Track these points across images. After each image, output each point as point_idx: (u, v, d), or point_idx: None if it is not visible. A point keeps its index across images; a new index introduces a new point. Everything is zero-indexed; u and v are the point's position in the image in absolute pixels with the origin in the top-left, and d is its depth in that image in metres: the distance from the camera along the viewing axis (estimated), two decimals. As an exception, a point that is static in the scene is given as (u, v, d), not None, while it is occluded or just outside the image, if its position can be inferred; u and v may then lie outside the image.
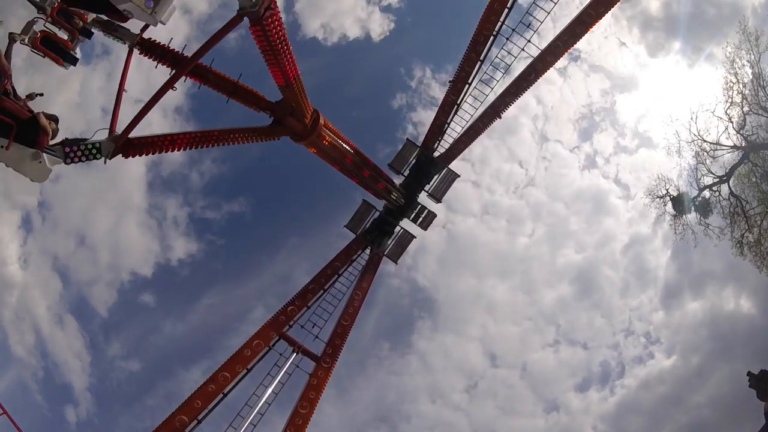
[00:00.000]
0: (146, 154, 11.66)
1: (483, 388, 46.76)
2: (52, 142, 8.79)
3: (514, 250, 50.68)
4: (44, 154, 8.10)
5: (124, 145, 10.77)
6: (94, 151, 10.03)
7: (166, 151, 12.15)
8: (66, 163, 9.21)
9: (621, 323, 46.62)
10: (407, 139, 20.29)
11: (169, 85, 9.59)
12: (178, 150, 12.46)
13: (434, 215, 20.75)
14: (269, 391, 16.57)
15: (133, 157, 11.30)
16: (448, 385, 47.17)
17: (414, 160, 19.98)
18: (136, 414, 43.52)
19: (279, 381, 16.85)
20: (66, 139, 9.17)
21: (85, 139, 9.57)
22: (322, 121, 15.41)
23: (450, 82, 18.19)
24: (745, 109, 30.86)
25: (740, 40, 30.78)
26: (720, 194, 32.22)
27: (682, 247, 37.63)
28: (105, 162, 10.21)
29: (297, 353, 17.57)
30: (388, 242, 20.26)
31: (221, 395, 16.32)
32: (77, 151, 9.52)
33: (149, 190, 46.39)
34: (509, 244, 50.91)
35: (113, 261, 46.44)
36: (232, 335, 44.38)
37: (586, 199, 50.85)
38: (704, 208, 32.37)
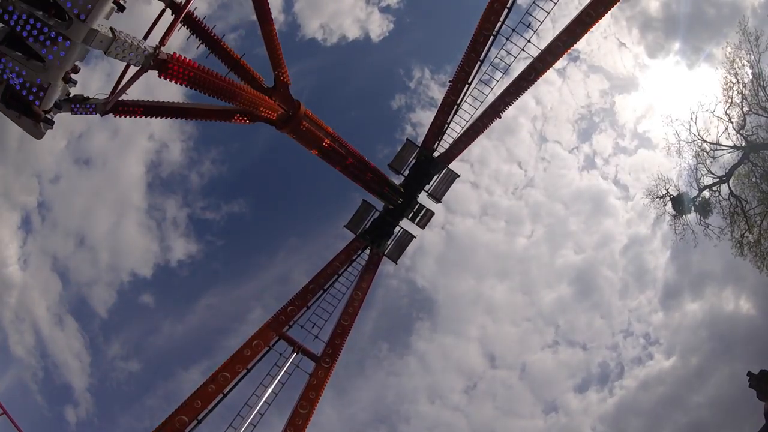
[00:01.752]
0: (131, 116, 12.97)
1: (482, 388, 46.76)
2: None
3: (513, 250, 50.70)
4: (40, 123, 10.49)
5: (116, 105, 12.10)
6: (91, 108, 11.69)
7: (148, 116, 13.31)
8: (73, 113, 11.37)
9: (620, 324, 46.62)
10: (407, 139, 20.32)
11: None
12: (158, 117, 13.58)
13: (432, 213, 20.76)
14: (269, 391, 16.53)
15: (121, 116, 12.70)
16: (448, 385, 47.16)
17: (414, 160, 19.97)
18: (136, 414, 43.54)
19: (279, 381, 16.82)
20: (75, 96, 11.12)
21: (88, 98, 11.49)
22: (303, 112, 16.76)
23: (450, 82, 18.21)
24: (745, 109, 30.85)
25: (740, 40, 30.79)
26: (720, 194, 32.20)
27: (681, 248, 37.62)
28: (101, 116, 12.00)
29: (297, 353, 17.55)
30: (388, 242, 20.25)
31: (221, 395, 16.30)
32: (80, 106, 11.39)
33: (149, 190, 46.42)
34: (508, 245, 50.94)
35: (113, 261, 46.45)
36: (231, 336, 44.41)
37: (585, 200, 50.85)
38: (704, 208, 32.34)
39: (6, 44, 9.34)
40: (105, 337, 45.24)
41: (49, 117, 10.60)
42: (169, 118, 14.05)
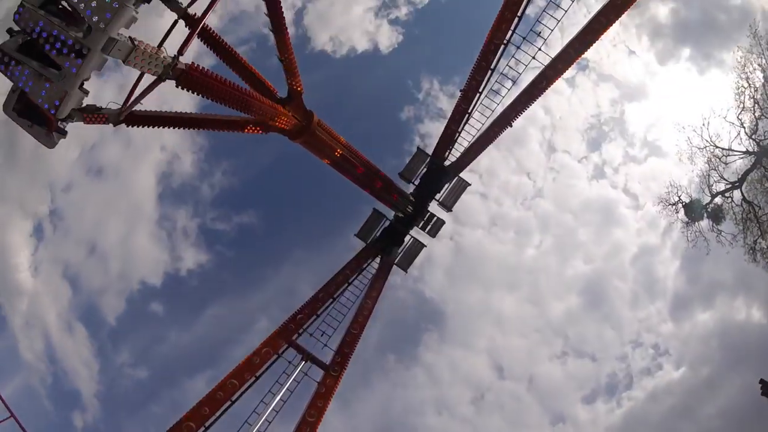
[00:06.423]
0: (144, 126, 12.40)
1: (490, 400, 46.46)
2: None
3: (521, 261, 50.24)
4: (53, 132, 10.14)
5: (129, 116, 11.64)
6: (104, 118, 11.18)
7: (160, 127, 12.83)
8: (86, 123, 10.86)
9: (629, 334, 46.06)
10: (418, 147, 20.31)
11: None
12: (171, 128, 13.25)
13: (442, 222, 20.73)
14: (277, 398, 16.54)
15: (134, 126, 12.17)
16: (455, 397, 46.90)
17: (425, 169, 19.95)
18: (142, 421, 43.74)
19: (287, 389, 16.83)
20: (88, 106, 10.65)
21: (101, 108, 10.96)
22: (316, 122, 16.43)
23: (461, 91, 18.19)
24: (757, 113, 30.58)
25: (751, 44, 30.57)
26: (732, 200, 31.95)
27: (691, 257, 37.31)
28: (113, 126, 11.51)
29: (305, 361, 17.54)
30: (398, 251, 20.23)
31: (229, 402, 16.30)
32: (93, 116, 10.88)
33: (160, 200, 46.74)
34: (517, 256, 50.50)
35: (123, 270, 46.75)
36: (236, 346, 44.43)
37: (595, 210, 50.34)
38: (716, 215, 32.09)
39: (22, 53, 9.13)
40: (113, 345, 45.57)
41: (62, 126, 10.18)
42: (182, 129, 13.83)
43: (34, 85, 9.20)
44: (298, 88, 15.88)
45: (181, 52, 10.96)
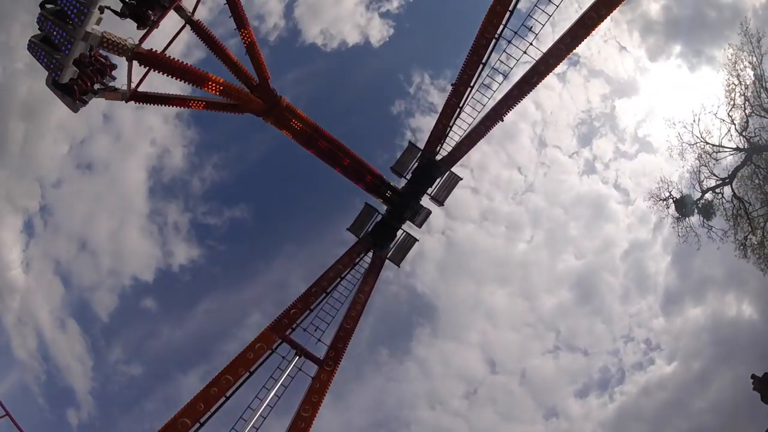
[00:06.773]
0: (146, 102, 16.24)
1: (482, 394, 46.66)
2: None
3: (513, 256, 50.59)
4: (77, 101, 14.33)
5: (134, 94, 15.74)
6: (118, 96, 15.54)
7: (158, 104, 16.48)
8: (105, 99, 15.41)
9: (621, 329, 46.48)
10: (409, 142, 20.24)
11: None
12: (163, 105, 16.64)
13: (429, 212, 20.66)
14: (272, 394, 16.52)
15: (139, 102, 16.10)
16: (448, 391, 47.08)
17: (416, 164, 19.94)
18: (136, 418, 43.59)
19: (281, 384, 16.81)
20: (108, 86, 15.16)
21: (117, 88, 15.37)
22: (284, 104, 18.13)
23: (452, 85, 18.19)
24: (747, 111, 30.86)
25: (742, 42, 30.83)
26: (723, 196, 32.20)
27: (682, 253, 37.59)
28: (125, 102, 15.73)
29: (299, 356, 17.54)
30: (391, 245, 20.23)
31: (224, 398, 16.31)
32: (112, 94, 15.30)
33: (150, 195, 46.58)
34: (508, 251, 50.81)
35: (115, 266, 46.57)
36: (229, 341, 44.40)
37: (586, 205, 50.67)
38: (707, 211, 32.32)
39: (44, 42, 13.42)
40: (107, 341, 45.37)
41: (85, 98, 14.52)
42: (173, 107, 16.92)
43: (47, 62, 13.46)
44: (265, 75, 17.60)
45: (141, 40, 14.28)
